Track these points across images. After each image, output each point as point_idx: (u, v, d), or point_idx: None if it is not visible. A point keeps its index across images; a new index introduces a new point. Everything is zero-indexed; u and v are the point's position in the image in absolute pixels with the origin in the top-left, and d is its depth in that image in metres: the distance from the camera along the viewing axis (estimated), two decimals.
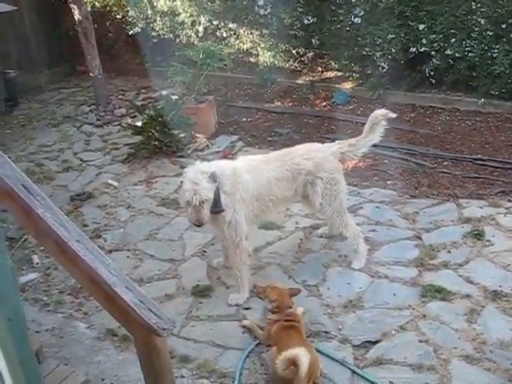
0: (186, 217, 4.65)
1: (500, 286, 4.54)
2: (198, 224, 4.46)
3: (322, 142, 5.29)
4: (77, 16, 8.87)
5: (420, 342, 4.10)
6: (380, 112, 4.91)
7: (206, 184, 4.34)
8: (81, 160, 7.72)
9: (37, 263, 5.43)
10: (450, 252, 5.05)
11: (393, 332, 4.21)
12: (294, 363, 3.51)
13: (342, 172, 4.98)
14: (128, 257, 5.46)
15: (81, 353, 4.28)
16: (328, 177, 4.80)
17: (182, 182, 4.46)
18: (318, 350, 3.99)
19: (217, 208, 4.46)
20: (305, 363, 3.48)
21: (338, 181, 4.87)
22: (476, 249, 5.06)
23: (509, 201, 5.76)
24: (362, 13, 8.32)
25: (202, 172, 4.39)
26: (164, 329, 2.53)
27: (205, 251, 5.42)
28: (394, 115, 4.93)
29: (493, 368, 3.81)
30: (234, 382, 3.87)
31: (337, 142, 5.08)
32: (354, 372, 3.90)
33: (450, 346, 4.03)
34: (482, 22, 7.55)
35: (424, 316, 4.33)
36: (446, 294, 4.51)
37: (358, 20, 8.40)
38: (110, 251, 5.47)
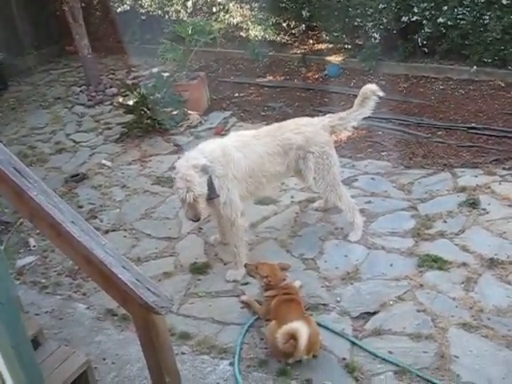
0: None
1: (496, 254, 4.56)
2: (196, 220, 4.49)
3: (315, 115, 5.27)
4: None
5: (418, 311, 4.13)
6: (370, 87, 4.88)
7: (199, 179, 4.31)
8: (73, 141, 7.67)
9: (33, 246, 5.43)
10: (445, 221, 5.06)
11: (391, 302, 4.24)
12: (293, 337, 3.55)
13: (333, 145, 4.97)
14: (125, 236, 5.46)
15: (81, 333, 4.30)
16: (319, 151, 4.79)
17: (174, 178, 4.43)
18: (317, 323, 4.00)
19: (212, 196, 4.47)
20: (304, 337, 3.52)
21: (330, 154, 4.86)
22: (472, 217, 5.07)
23: (503, 169, 5.76)
24: None
25: (194, 167, 4.33)
26: (162, 307, 2.54)
27: (201, 228, 5.42)
28: (382, 93, 4.89)
29: (490, 335, 3.85)
30: (234, 356, 3.90)
31: (327, 115, 5.06)
32: (353, 343, 3.93)
33: (448, 314, 4.06)
34: None
35: (421, 286, 4.36)
36: (443, 264, 4.53)
37: None
38: (107, 231, 5.47)
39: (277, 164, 4.75)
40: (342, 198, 4.96)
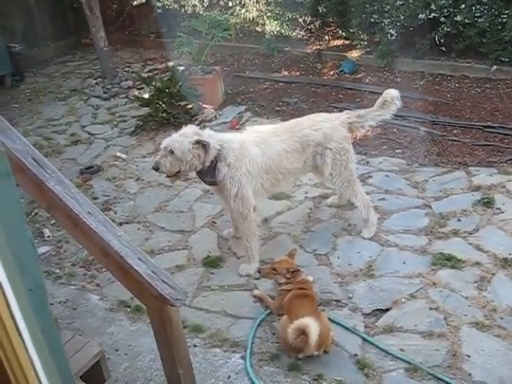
0: None
1: (510, 254, 4.54)
2: (154, 168, 4.56)
3: (331, 111, 5.28)
4: None
5: (430, 309, 4.12)
6: (391, 92, 4.85)
7: (188, 144, 4.38)
8: (89, 133, 7.71)
9: (48, 236, 5.47)
10: (459, 220, 5.04)
11: (403, 300, 4.23)
12: (304, 332, 3.57)
13: (350, 142, 4.97)
14: (138, 229, 5.49)
15: (94, 324, 4.34)
16: (337, 147, 4.79)
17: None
18: (329, 318, 4.01)
19: (210, 178, 4.54)
20: (314, 333, 3.54)
21: (347, 150, 4.85)
22: (486, 217, 5.05)
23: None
24: None
25: (195, 133, 4.45)
26: (177, 299, 2.56)
27: (214, 222, 5.44)
28: (400, 104, 4.87)
29: (503, 334, 3.84)
30: (246, 350, 3.91)
31: (345, 111, 5.05)
32: (364, 340, 3.93)
33: (460, 313, 4.05)
34: None
35: (434, 284, 4.35)
36: (456, 262, 4.51)
37: None
38: (121, 224, 5.50)
39: (294, 161, 4.76)
40: (357, 194, 4.96)
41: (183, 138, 4.42)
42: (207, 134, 4.57)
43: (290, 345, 3.69)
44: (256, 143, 4.64)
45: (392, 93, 4.85)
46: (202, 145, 4.40)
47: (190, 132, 4.50)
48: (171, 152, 4.39)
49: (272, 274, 4.27)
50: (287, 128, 4.86)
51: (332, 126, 4.82)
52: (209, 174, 4.51)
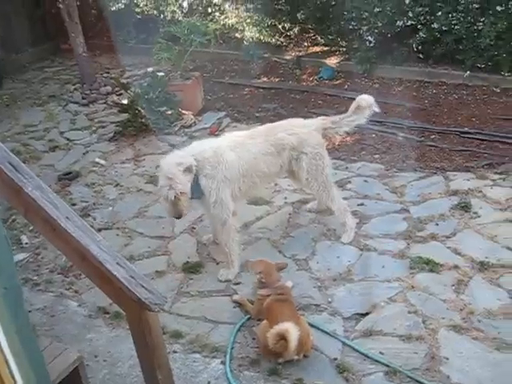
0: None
1: (487, 257, 4.59)
2: (178, 217, 4.52)
3: (309, 117, 5.30)
4: None
5: (409, 313, 4.15)
6: (366, 98, 4.92)
7: (182, 177, 4.34)
8: (67, 139, 7.65)
9: (26, 243, 5.42)
10: (437, 224, 5.09)
11: (382, 304, 4.26)
12: (283, 337, 3.57)
13: (325, 147, 5.00)
14: (117, 235, 5.46)
15: (73, 331, 4.30)
16: (312, 152, 4.82)
17: (157, 176, 4.45)
18: (309, 323, 4.02)
19: (197, 195, 4.51)
20: (294, 338, 3.55)
21: (323, 156, 4.89)
22: (463, 221, 5.11)
23: (495, 173, 5.80)
24: None
25: (177, 164, 4.36)
26: (156, 304, 2.55)
27: (194, 228, 5.43)
28: (377, 109, 4.96)
29: (480, 337, 3.88)
30: (225, 355, 3.91)
31: (320, 117, 5.09)
32: (344, 343, 3.95)
33: (439, 316, 4.08)
34: None
35: (413, 287, 4.38)
36: (434, 266, 4.56)
37: None
38: (99, 230, 5.46)
39: (270, 164, 4.78)
40: (333, 199, 4.99)
41: (176, 175, 4.33)
42: (182, 154, 4.54)
43: (270, 349, 3.70)
44: (231, 148, 4.64)
45: (365, 98, 4.91)
46: (187, 167, 4.40)
47: (173, 164, 4.39)
48: (177, 197, 4.35)
49: (250, 268, 4.39)
50: (262, 132, 4.89)
51: (307, 131, 4.86)
52: (194, 190, 4.50)
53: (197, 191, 4.49)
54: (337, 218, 5.09)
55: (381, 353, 3.83)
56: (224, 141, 4.78)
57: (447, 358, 3.74)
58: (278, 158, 4.80)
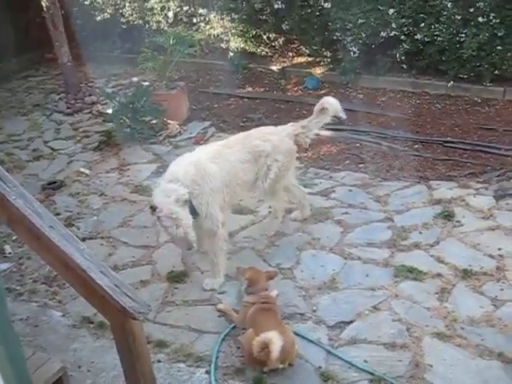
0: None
1: (470, 265, 4.64)
2: (190, 249, 4.53)
3: None
4: (44, 3, 8.70)
5: (393, 321, 4.17)
6: (329, 100, 5.11)
7: (183, 212, 4.32)
8: (51, 148, 7.62)
9: (9, 253, 5.37)
10: (421, 233, 5.13)
11: (366, 312, 4.28)
12: (267, 346, 3.58)
13: (295, 154, 5.14)
14: (102, 244, 5.43)
15: (56, 341, 4.26)
16: (283, 160, 4.92)
17: (158, 218, 4.35)
18: (294, 332, 4.03)
19: (193, 216, 4.49)
20: (277, 347, 3.56)
21: (290, 165, 5.05)
22: (446, 229, 5.15)
23: (478, 182, 5.87)
24: None
25: (175, 201, 4.29)
26: (140, 312, 2.55)
27: None
28: (344, 116, 5.18)
29: (464, 344, 3.91)
30: (210, 365, 3.90)
31: (289, 124, 5.18)
32: (328, 352, 3.95)
33: (422, 324, 4.11)
34: (450, 5, 7.64)
35: (396, 296, 4.41)
36: (418, 274, 4.59)
37: (327, 5, 8.44)
38: (84, 239, 5.42)
39: (248, 172, 4.83)
40: (278, 200, 5.20)
41: (178, 213, 4.29)
42: (172, 187, 4.41)
43: (255, 358, 3.70)
44: (211, 159, 4.64)
45: (329, 100, 5.07)
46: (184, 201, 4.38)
47: (171, 203, 4.30)
48: (186, 232, 4.34)
49: (239, 275, 4.40)
50: (238, 140, 4.93)
51: (279, 138, 4.94)
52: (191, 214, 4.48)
53: (193, 213, 4.48)
54: (271, 218, 5.30)
55: (365, 361, 3.84)
56: (202, 153, 4.76)
57: (431, 366, 3.76)
58: (255, 165, 4.85)
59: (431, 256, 4.82)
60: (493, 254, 4.76)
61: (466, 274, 4.55)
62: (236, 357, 3.98)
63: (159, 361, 3.97)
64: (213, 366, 3.88)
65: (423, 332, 4.04)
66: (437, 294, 4.39)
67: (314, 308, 4.38)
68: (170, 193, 4.34)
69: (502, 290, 4.38)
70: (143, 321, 2.66)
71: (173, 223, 4.29)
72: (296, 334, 4.04)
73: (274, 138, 4.89)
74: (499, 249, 4.80)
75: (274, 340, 3.57)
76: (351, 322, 4.20)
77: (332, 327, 4.18)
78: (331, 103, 5.04)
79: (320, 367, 3.83)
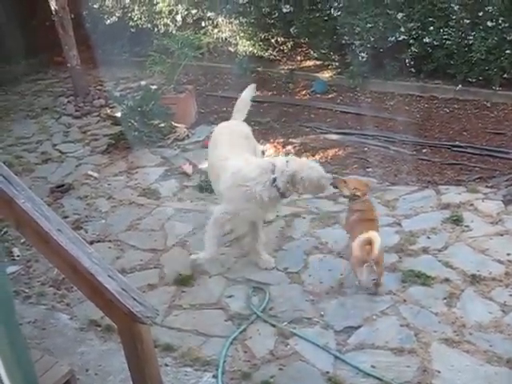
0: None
1: (478, 271, 4.61)
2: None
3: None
4: (53, 6, 8.75)
5: (401, 326, 4.16)
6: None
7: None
8: (60, 151, 7.65)
9: (17, 256, 5.40)
10: (429, 238, 5.10)
11: (374, 317, 4.26)
12: (369, 243, 4.16)
13: None
14: (110, 248, 5.44)
15: (64, 344, 4.28)
16: None
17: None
18: (300, 337, 4.04)
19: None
20: (377, 244, 4.17)
21: None
22: (455, 234, 5.12)
23: (486, 187, 5.84)
24: (341, 2, 8.33)
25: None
26: (147, 316, 2.54)
27: (186, 241, 5.42)
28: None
29: (472, 350, 3.88)
30: (217, 369, 3.90)
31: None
32: (336, 357, 3.94)
33: (431, 329, 4.09)
34: (459, 9, 7.62)
35: (404, 301, 4.39)
36: (426, 279, 4.57)
37: (336, 9, 8.42)
38: (91, 242, 5.44)
39: None
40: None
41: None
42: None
43: (357, 255, 4.27)
44: None
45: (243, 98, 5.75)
46: None
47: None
48: None
49: (341, 185, 4.75)
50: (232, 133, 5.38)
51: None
52: None
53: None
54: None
55: (373, 366, 3.83)
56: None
57: (439, 372, 3.74)
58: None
59: (439, 261, 4.79)
60: (501, 260, 4.73)
61: (474, 279, 4.53)
62: (243, 361, 3.98)
63: (166, 365, 3.97)
64: (220, 370, 3.88)
65: (431, 337, 4.02)
66: (445, 299, 4.37)
67: (322, 313, 4.37)
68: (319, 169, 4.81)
69: (510, 295, 4.35)
70: (151, 325, 2.65)
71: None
72: (303, 338, 4.05)
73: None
74: (508, 254, 4.77)
75: (375, 239, 4.17)
76: (359, 326, 4.19)
77: (339, 332, 4.17)
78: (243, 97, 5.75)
79: (327, 372, 3.82)
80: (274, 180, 4.57)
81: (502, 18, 7.39)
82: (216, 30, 9.64)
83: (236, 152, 4.93)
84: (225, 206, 4.78)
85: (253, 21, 9.27)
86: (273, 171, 4.59)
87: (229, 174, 4.73)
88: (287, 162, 4.65)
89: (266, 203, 4.64)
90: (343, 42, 8.58)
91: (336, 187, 4.83)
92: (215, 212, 4.80)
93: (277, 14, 9.07)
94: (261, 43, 9.41)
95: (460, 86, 7.83)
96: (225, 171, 4.79)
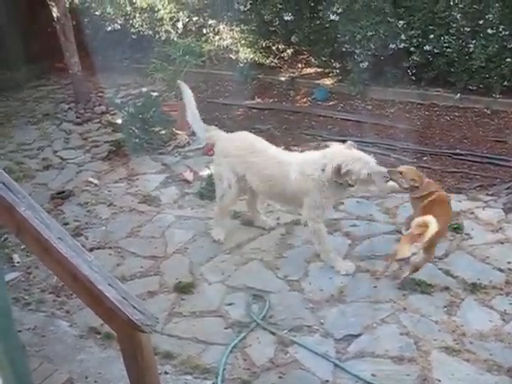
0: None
1: (479, 279, 4.60)
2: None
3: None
4: (55, 13, 8.79)
5: (401, 334, 4.14)
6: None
7: None
8: (61, 158, 7.67)
9: (17, 262, 5.39)
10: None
11: (374, 325, 4.25)
12: (426, 225, 4.24)
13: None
14: (110, 254, 5.44)
15: (63, 351, 4.26)
16: None
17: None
18: (300, 345, 4.03)
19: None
20: (433, 229, 4.21)
21: None
22: (455, 242, 5.12)
23: (487, 195, 5.84)
24: (341, 9, 8.35)
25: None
26: (147, 325, 2.53)
27: (187, 248, 5.42)
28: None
29: (472, 359, 3.87)
30: (217, 377, 3.88)
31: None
32: (336, 365, 3.93)
33: (431, 337, 4.08)
34: (459, 17, 7.64)
35: (405, 309, 4.38)
36: (426, 287, 4.56)
37: (336, 17, 8.44)
38: (92, 249, 5.44)
39: None
40: None
41: None
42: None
43: (411, 233, 4.38)
44: None
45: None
46: None
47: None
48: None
49: (397, 177, 4.75)
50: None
51: None
52: None
53: None
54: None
55: (373, 375, 3.81)
56: None
57: (439, 380, 3.73)
58: None
59: (440, 269, 4.79)
60: (502, 268, 4.72)
61: (474, 287, 4.52)
62: (243, 369, 3.96)
63: (166, 372, 3.96)
64: (220, 378, 3.86)
65: (431, 346, 4.01)
66: (445, 307, 4.36)
67: (322, 320, 4.35)
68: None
69: (511, 304, 4.34)
70: (150, 333, 2.65)
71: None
72: (303, 346, 4.04)
73: None
74: (508, 262, 4.76)
75: (433, 224, 4.20)
76: (359, 335, 4.18)
77: (339, 340, 4.16)
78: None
79: (327, 381, 3.81)
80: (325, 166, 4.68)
81: (502, 26, 7.41)
82: (217, 38, 9.68)
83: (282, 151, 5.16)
84: (310, 212, 4.86)
85: (254, 28, 9.31)
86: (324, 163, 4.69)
87: (295, 168, 4.81)
88: (335, 153, 4.74)
89: (330, 190, 4.75)
90: (344, 49, 8.61)
91: (393, 180, 4.80)
92: (311, 227, 4.89)
93: (278, 22, 9.10)
94: (262, 50, 9.45)
95: (460, 93, 7.85)
96: (285, 169, 4.86)
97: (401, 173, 4.76)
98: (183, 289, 4.84)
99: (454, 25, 7.70)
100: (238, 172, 5.13)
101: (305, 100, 8.76)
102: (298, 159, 4.91)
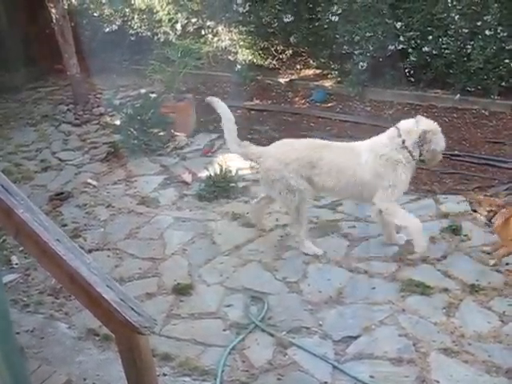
0: None
1: (477, 280, 4.61)
2: None
3: None
4: (53, 14, 8.78)
5: (400, 335, 4.15)
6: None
7: None
8: (59, 159, 7.65)
9: (16, 264, 5.38)
10: (428, 247, 5.10)
11: (373, 327, 4.26)
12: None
13: None
14: (108, 256, 5.44)
15: (62, 353, 4.26)
16: None
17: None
18: (299, 346, 4.03)
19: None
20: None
21: None
22: (454, 243, 5.13)
23: (485, 196, 5.83)
24: (340, 11, 8.36)
25: None
26: (145, 327, 2.53)
27: (185, 249, 5.42)
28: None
29: (471, 360, 3.88)
30: (216, 379, 3.88)
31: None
32: (334, 367, 3.93)
33: (429, 339, 4.08)
34: (458, 19, 7.64)
35: (403, 310, 4.39)
36: (425, 289, 4.56)
37: (335, 18, 8.44)
38: (90, 251, 5.43)
39: None
40: None
41: None
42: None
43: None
44: None
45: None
46: None
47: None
48: None
49: (476, 205, 4.83)
50: None
51: None
52: None
53: None
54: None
55: (371, 376, 3.82)
56: None
57: (438, 382, 3.73)
58: None
59: (438, 270, 4.79)
60: (500, 269, 4.73)
61: (473, 289, 4.53)
62: (242, 371, 3.96)
63: (164, 374, 3.96)
64: (218, 379, 3.87)
65: (430, 347, 4.01)
66: (444, 309, 4.37)
67: (320, 322, 4.36)
68: None
69: (509, 305, 4.35)
70: (149, 335, 2.65)
71: None
72: (301, 348, 4.04)
73: None
74: (507, 264, 4.77)
75: None
76: (357, 336, 4.18)
77: (338, 342, 4.16)
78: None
79: (326, 382, 3.81)
80: (403, 142, 4.74)
81: (500, 28, 7.42)
82: (216, 39, 9.68)
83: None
84: (387, 193, 4.86)
85: (252, 30, 9.31)
86: (399, 135, 4.76)
87: (367, 155, 4.90)
88: (416, 121, 4.86)
89: (407, 168, 4.81)
90: (343, 51, 8.61)
91: (474, 211, 4.84)
92: (387, 209, 4.92)
93: (276, 23, 9.10)
94: (260, 52, 9.45)
95: (459, 95, 7.85)
96: (357, 154, 4.95)
97: (479, 203, 4.81)
98: (181, 290, 4.84)
99: (453, 26, 7.70)
100: (302, 175, 4.99)
101: (303, 101, 8.76)
102: (367, 144, 5.02)
